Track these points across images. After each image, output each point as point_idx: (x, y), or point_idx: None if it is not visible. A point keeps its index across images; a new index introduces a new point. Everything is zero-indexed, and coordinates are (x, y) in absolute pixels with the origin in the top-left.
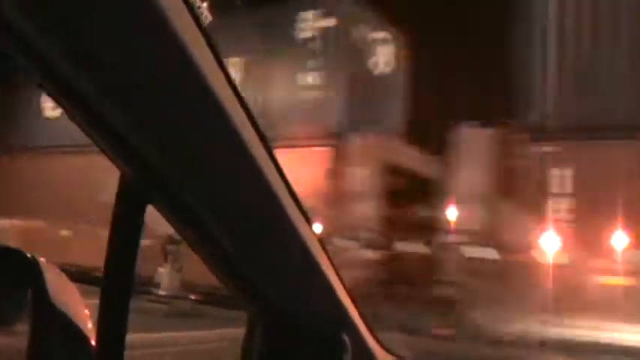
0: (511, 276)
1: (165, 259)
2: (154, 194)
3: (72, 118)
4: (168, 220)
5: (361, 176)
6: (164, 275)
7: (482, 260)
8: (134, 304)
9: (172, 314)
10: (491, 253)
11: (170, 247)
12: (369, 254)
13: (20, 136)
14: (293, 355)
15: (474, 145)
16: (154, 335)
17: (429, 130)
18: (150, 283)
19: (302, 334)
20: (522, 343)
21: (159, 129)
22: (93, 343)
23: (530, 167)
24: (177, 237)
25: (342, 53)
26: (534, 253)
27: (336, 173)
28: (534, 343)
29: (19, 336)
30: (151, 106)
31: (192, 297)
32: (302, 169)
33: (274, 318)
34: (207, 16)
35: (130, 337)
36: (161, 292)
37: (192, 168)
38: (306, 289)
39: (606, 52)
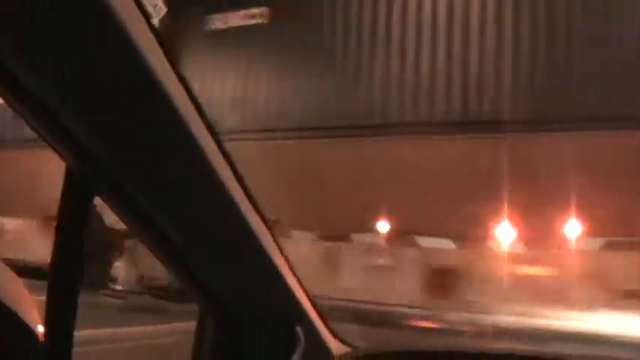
0: None
1: (122, 253)
2: (101, 185)
3: (15, 110)
4: (115, 212)
5: None
6: (120, 269)
7: None
8: (90, 299)
9: (129, 309)
10: (446, 244)
11: (126, 241)
12: None
13: None
14: (245, 347)
15: None
16: (110, 331)
17: None
18: (106, 277)
19: (254, 326)
20: (478, 332)
21: (105, 119)
22: (42, 339)
23: None
24: None
25: None
26: None
27: None
28: (489, 331)
29: None
30: (97, 97)
31: (149, 291)
32: None
33: (225, 310)
34: (161, 7)
35: (86, 333)
36: (117, 287)
37: (138, 158)
38: (258, 281)
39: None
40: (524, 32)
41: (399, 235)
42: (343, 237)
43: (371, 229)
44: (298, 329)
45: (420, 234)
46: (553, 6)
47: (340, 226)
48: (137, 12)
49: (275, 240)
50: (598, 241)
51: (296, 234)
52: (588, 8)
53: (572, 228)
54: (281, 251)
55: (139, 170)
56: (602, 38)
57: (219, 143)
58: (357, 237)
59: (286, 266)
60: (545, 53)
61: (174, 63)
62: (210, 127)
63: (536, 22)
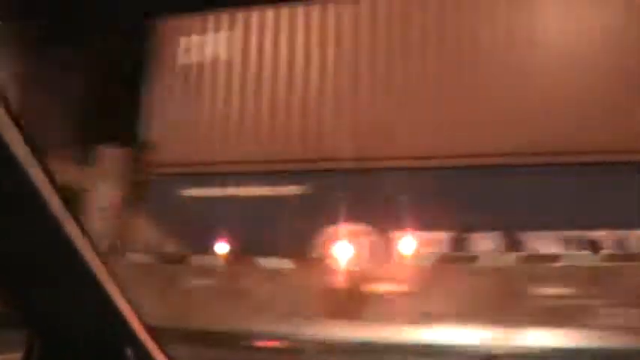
0: None
1: None
2: None
3: None
4: None
5: None
6: None
7: None
8: None
9: None
10: (286, 264)
11: None
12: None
13: None
14: None
15: None
16: None
17: None
18: None
19: (82, 351)
20: (318, 348)
21: None
22: None
23: None
24: None
25: None
26: None
27: None
28: (331, 348)
29: None
30: None
31: None
32: None
33: (52, 336)
34: None
35: None
36: None
37: None
38: (83, 303)
39: None
40: None
41: (237, 257)
42: (182, 259)
43: (209, 252)
44: (129, 353)
45: (260, 255)
46: None
47: (179, 249)
48: None
49: (105, 264)
50: (433, 257)
51: (134, 257)
52: None
53: (407, 244)
54: (111, 275)
55: None
56: None
57: (35, 153)
58: (196, 259)
59: (114, 287)
60: None
61: None
62: (27, 137)
63: None
